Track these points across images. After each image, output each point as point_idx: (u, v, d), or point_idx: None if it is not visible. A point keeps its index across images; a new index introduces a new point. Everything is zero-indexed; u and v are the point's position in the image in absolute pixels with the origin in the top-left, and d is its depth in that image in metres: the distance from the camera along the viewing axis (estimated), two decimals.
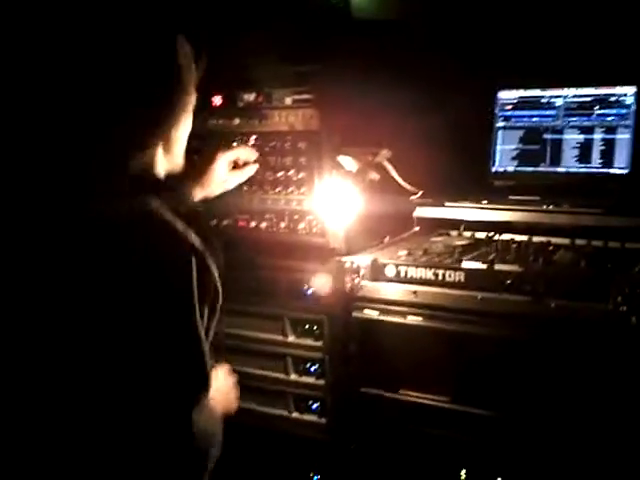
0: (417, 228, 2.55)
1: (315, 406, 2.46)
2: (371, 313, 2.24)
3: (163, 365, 1.45)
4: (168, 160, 1.59)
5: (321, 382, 2.43)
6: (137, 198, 1.45)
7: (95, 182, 1.47)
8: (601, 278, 1.94)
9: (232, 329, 2.54)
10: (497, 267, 2.09)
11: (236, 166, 2.31)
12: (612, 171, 2.48)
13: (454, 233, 2.51)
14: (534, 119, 2.64)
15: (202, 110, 2.38)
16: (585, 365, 1.92)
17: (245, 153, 2.35)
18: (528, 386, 2.01)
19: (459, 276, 2.12)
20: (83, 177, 1.49)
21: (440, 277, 2.15)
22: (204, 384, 1.52)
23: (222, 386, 1.87)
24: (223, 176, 2.28)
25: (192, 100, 1.61)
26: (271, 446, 2.52)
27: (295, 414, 2.49)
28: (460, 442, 2.13)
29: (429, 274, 2.16)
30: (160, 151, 1.56)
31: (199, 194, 2.27)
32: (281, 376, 2.49)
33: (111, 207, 1.43)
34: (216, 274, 1.53)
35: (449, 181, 2.59)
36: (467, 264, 2.14)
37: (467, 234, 2.47)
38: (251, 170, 2.36)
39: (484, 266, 2.11)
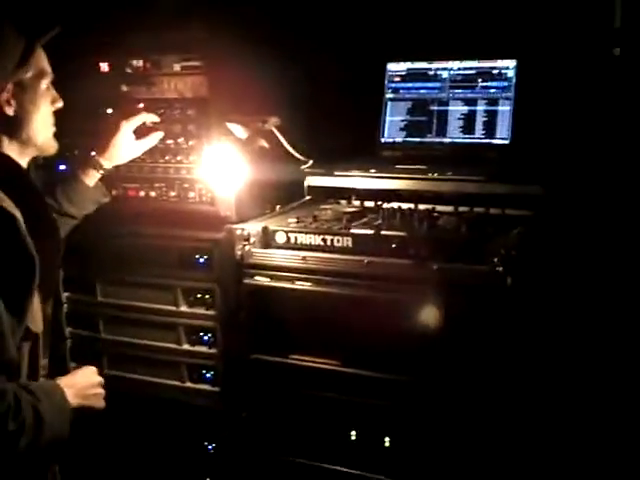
0: (308, 197, 2.58)
1: (209, 375, 2.46)
2: (262, 280, 2.26)
3: None
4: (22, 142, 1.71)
5: (214, 351, 2.43)
6: None
7: None
8: (479, 241, 2.02)
9: (124, 300, 2.53)
10: (383, 232, 2.14)
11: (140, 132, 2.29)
12: (494, 141, 2.57)
13: (344, 202, 2.55)
14: (421, 91, 2.71)
15: (87, 76, 2.41)
16: (466, 324, 2.00)
17: (149, 118, 2.35)
18: (413, 346, 2.07)
19: (347, 241, 2.17)
20: None
21: (329, 243, 2.19)
22: None
23: (81, 380, 1.90)
24: (129, 144, 2.29)
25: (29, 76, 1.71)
26: (166, 416, 2.51)
27: (189, 383, 2.49)
28: (350, 404, 2.19)
29: (318, 240, 2.20)
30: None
31: (107, 164, 2.26)
32: (174, 346, 2.48)
33: None
34: (32, 249, 1.59)
35: (340, 151, 2.63)
36: (355, 230, 2.19)
37: (357, 203, 2.51)
38: (157, 136, 2.36)
39: (371, 231, 2.16)
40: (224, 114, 2.31)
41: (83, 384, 1.89)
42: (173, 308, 2.47)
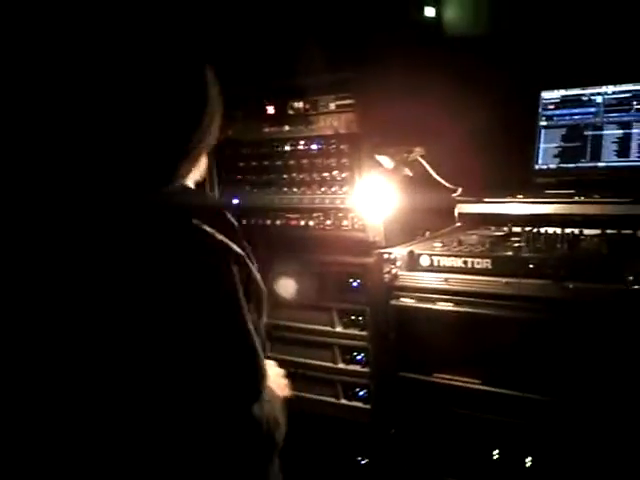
0: (459, 224, 2.67)
1: (362, 393, 2.60)
2: (407, 301, 2.38)
3: (218, 363, 1.53)
4: (195, 175, 1.71)
5: (366, 370, 2.57)
6: (178, 214, 1.56)
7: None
8: (618, 261, 2.02)
9: (287, 321, 2.73)
10: (522, 254, 2.19)
11: None
12: None
13: (493, 228, 2.61)
14: (575, 117, 2.72)
15: (257, 118, 2.69)
16: (604, 343, 2.00)
17: None
18: (551, 365, 2.10)
19: (486, 263, 2.24)
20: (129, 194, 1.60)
21: (469, 265, 2.27)
22: (259, 375, 1.61)
23: (274, 375, 1.94)
24: None
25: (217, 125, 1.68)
26: (322, 431, 2.68)
27: (343, 400, 2.64)
28: (491, 423, 2.24)
29: (459, 262, 2.29)
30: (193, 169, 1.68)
31: None
32: (330, 365, 2.65)
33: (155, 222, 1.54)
34: (259, 277, 1.63)
35: (493, 179, 2.70)
36: (495, 252, 2.25)
37: (505, 228, 2.57)
38: None
39: (510, 253, 2.22)
40: (373, 147, 2.48)
41: (277, 379, 1.92)
42: (329, 329, 2.64)
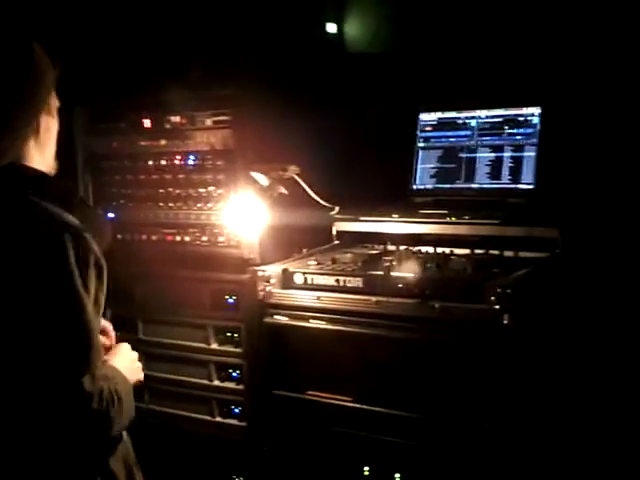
0: (336, 242, 2.69)
1: (237, 410, 2.58)
2: (280, 319, 2.38)
3: (47, 334, 1.52)
4: (41, 159, 1.69)
5: (241, 387, 2.56)
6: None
7: None
8: (481, 281, 2.07)
9: (159, 338, 2.69)
10: (393, 273, 2.23)
11: None
12: (519, 186, 2.62)
13: (370, 246, 2.65)
14: (451, 139, 2.80)
15: (133, 132, 2.64)
16: (467, 360, 2.05)
17: None
18: (420, 382, 2.14)
19: (358, 282, 2.26)
20: None
21: (342, 283, 2.29)
22: (89, 348, 1.56)
23: (128, 360, 1.88)
24: None
25: (53, 103, 1.70)
26: (197, 449, 2.64)
27: (218, 418, 2.62)
28: (363, 440, 2.26)
29: (332, 281, 2.30)
30: (31, 147, 1.66)
31: None
32: (205, 382, 2.62)
33: None
34: (97, 249, 1.61)
35: (370, 198, 2.74)
36: (367, 272, 2.28)
37: (380, 247, 2.61)
38: None
39: (381, 272, 2.25)
40: (249, 164, 2.47)
41: (129, 361, 1.86)
42: (205, 345, 2.61)
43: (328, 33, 3.12)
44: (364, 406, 2.25)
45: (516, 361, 2.00)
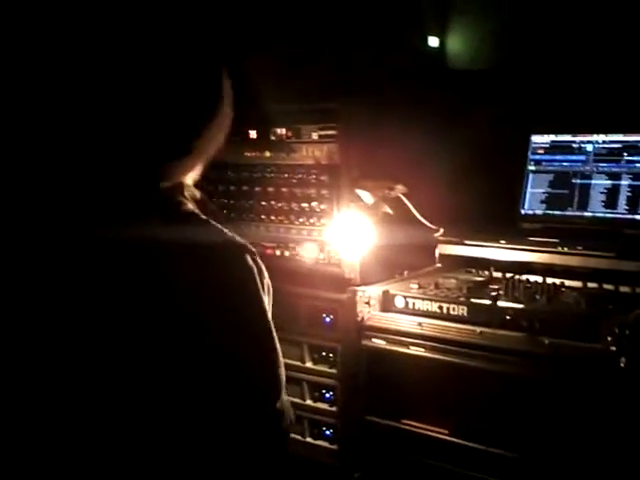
0: (439, 265, 2.61)
1: (328, 432, 2.52)
2: (379, 342, 2.31)
3: (245, 362, 1.51)
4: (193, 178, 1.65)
5: (334, 409, 2.49)
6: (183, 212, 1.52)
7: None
8: (596, 318, 1.95)
9: None
10: (499, 303, 2.13)
11: None
12: (637, 217, 2.47)
13: (474, 271, 2.55)
14: (564, 164, 2.67)
15: (239, 142, 2.62)
16: (577, 402, 1.93)
17: None
18: (521, 420, 2.03)
19: (462, 310, 2.17)
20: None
21: (445, 310, 2.20)
22: (282, 370, 1.62)
23: None
24: None
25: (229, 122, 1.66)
26: (285, 468, 2.59)
27: (309, 438, 2.56)
28: (456, 475, 2.16)
29: (434, 307, 2.22)
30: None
31: None
32: (298, 401, 2.57)
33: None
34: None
35: (477, 221, 2.64)
36: (472, 299, 2.19)
37: (486, 273, 2.50)
38: None
39: (487, 302, 2.15)
40: (354, 180, 2.41)
41: None
42: (299, 363, 2.56)
43: (429, 47, 3.04)
44: (460, 440, 2.16)
45: (630, 408, 1.87)
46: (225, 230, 1.52)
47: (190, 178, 1.62)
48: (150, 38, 1.55)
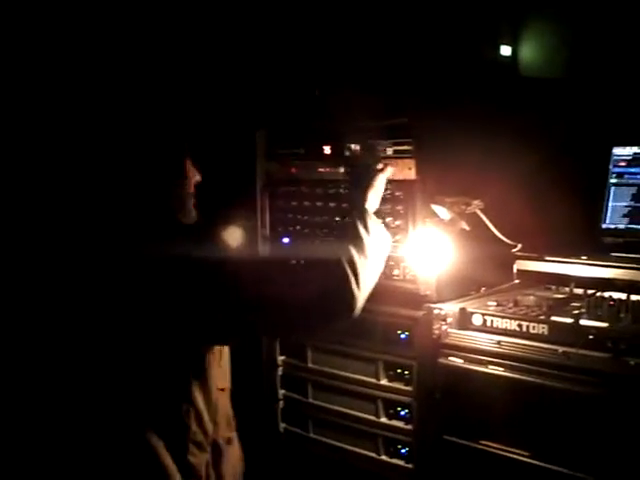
0: (517, 281, 2.55)
1: (404, 451, 2.49)
2: (456, 361, 2.27)
3: None
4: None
5: (410, 427, 2.46)
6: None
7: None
8: None
9: (328, 367, 2.65)
10: (582, 322, 2.06)
11: None
12: None
13: (554, 288, 2.48)
14: None
15: (312, 158, 2.63)
16: None
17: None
18: (606, 444, 1.96)
19: (543, 329, 2.11)
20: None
21: (524, 329, 2.15)
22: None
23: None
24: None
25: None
26: None
27: (384, 457, 2.53)
28: None
29: (514, 325, 2.17)
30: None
31: None
32: (372, 418, 2.55)
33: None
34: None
35: (556, 236, 2.57)
36: (552, 317, 2.13)
37: (566, 289, 2.43)
38: None
39: (569, 320, 2.09)
40: (430, 196, 2.38)
41: None
42: (374, 380, 2.54)
43: (502, 56, 2.98)
44: (542, 463, 2.10)
45: None
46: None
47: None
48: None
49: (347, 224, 2.09)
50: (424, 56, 2.69)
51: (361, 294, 1.92)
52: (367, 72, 2.59)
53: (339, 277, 1.89)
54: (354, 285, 1.89)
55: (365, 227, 2.01)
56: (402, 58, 2.69)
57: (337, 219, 2.62)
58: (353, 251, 1.93)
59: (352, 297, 1.89)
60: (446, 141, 2.42)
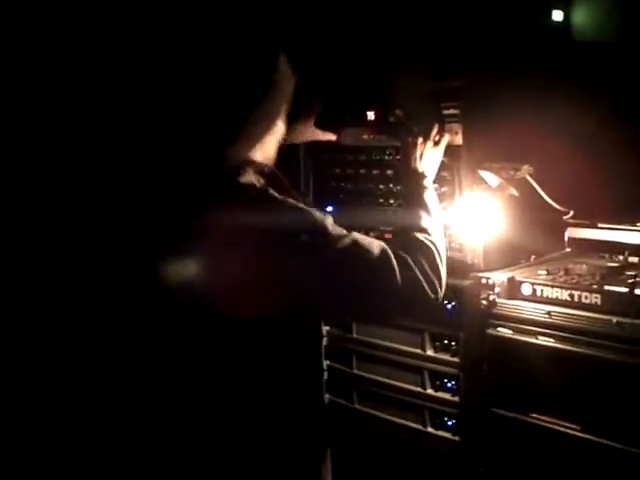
0: (568, 249, 2.46)
1: (450, 423, 2.44)
2: (504, 331, 2.20)
3: None
4: (261, 157, 1.76)
5: (457, 399, 2.40)
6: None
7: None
8: None
9: (372, 338, 2.60)
10: (637, 291, 1.98)
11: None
12: None
13: (607, 257, 2.39)
14: None
15: (356, 124, 2.56)
16: None
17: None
18: None
19: (595, 298, 2.03)
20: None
21: (576, 298, 2.07)
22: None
23: None
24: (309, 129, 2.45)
25: (286, 109, 1.79)
26: (403, 457, 2.53)
27: (430, 429, 2.48)
28: (588, 473, 2.03)
29: (565, 295, 2.09)
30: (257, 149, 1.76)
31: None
32: (418, 389, 2.50)
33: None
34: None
35: (610, 203, 2.47)
36: (606, 287, 2.04)
37: (620, 258, 2.34)
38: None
39: (624, 289, 2.00)
40: (477, 162, 2.30)
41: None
42: (420, 351, 2.49)
43: (553, 21, 2.86)
44: (592, 437, 2.02)
45: None
46: (291, 202, 1.64)
47: (260, 156, 1.74)
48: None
49: (413, 197, 2.05)
50: (474, 20, 2.59)
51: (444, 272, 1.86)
52: (415, 35, 2.49)
53: (432, 259, 1.82)
54: (442, 265, 1.84)
55: (433, 204, 2.00)
56: (451, 21, 2.58)
57: (381, 186, 2.55)
58: (434, 230, 1.91)
59: (441, 278, 1.83)
60: (495, 105, 2.33)
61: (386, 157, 2.54)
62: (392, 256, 1.72)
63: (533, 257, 2.40)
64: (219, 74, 1.67)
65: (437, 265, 1.82)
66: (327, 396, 2.76)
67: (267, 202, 1.64)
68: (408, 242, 1.86)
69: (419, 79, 2.38)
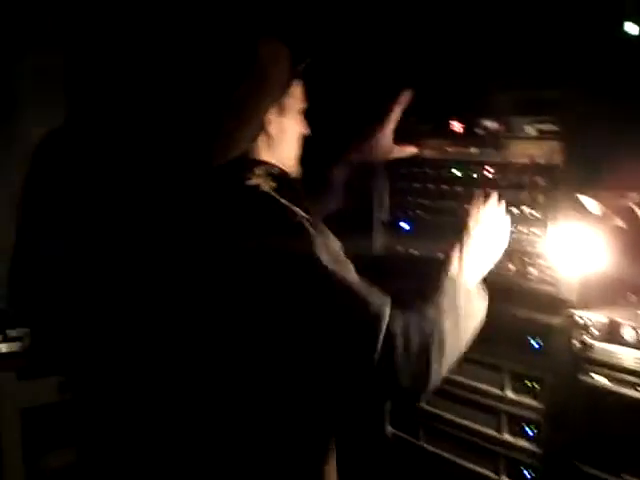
0: None
1: (528, 475, 2.18)
2: (600, 379, 1.95)
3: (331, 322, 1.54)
4: (271, 157, 1.71)
5: (536, 449, 2.15)
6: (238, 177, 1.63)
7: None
8: None
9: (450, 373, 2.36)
10: None
11: None
12: None
13: None
14: None
15: (439, 135, 2.34)
16: None
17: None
18: None
19: None
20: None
21: None
22: (374, 312, 1.55)
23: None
24: (389, 145, 2.27)
25: (290, 103, 1.74)
26: None
27: (504, 478, 2.23)
28: None
29: None
30: (260, 146, 1.72)
31: (356, 159, 2.24)
32: (493, 433, 2.25)
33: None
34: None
35: None
36: None
37: None
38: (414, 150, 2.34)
39: None
40: (578, 186, 2.04)
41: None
42: (498, 392, 2.24)
43: (627, 33, 2.58)
44: None
45: None
46: (291, 213, 1.55)
47: (271, 156, 1.71)
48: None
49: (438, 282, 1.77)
50: (564, 25, 2.33)
51: (442, 370, 1.69)
52: (511, 37, 2.25)
53: (424, 342, 1.64)
54: (436, 359, 1.66)
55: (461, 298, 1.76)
56: (550, 22, 2.33)
57: (465, 205, 2.31)
58: (451, 319, 1.70)
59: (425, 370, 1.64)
60: (600, 123, 2.07)
61: (471, 173, 2.30)
62: (384, 324, 1.55)
63: (634, 297, 2.13)
64: (194, 64, 1.71)
65: (429, 354, 1.63)
66: (390, 429, 2.55)
67: (265, 208, 1.58)
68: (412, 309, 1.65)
69: (512, 87, 2.14)
